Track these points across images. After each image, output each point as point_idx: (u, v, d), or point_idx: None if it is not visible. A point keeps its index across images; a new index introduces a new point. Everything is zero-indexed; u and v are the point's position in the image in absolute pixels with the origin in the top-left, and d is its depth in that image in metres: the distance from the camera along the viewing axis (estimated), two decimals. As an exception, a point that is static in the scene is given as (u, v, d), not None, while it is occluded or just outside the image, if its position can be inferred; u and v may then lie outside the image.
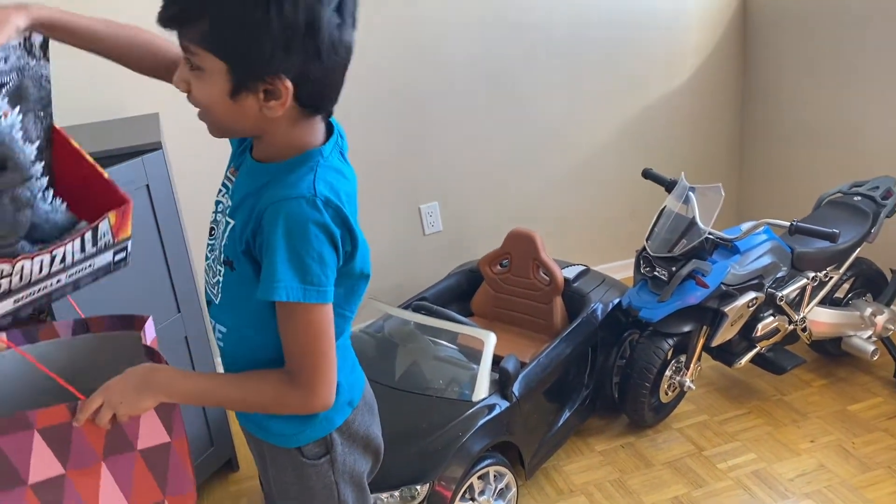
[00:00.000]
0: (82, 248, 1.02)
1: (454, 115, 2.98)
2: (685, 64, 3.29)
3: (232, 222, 1.05)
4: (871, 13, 2.79)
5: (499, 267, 2.65)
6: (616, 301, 2.48)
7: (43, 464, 0.95)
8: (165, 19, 0.92)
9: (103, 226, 1.03)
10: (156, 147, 1.97)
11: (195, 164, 2.45)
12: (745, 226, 2.35)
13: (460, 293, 2.71)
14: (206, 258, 1.14)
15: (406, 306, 2.43)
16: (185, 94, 0.99)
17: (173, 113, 2.43)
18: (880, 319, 2.56)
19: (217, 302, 1.11)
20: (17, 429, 0.93)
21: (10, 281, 0.96)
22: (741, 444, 2.38)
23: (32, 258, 0.97)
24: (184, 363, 2.14)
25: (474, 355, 2.15)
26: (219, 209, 1.11)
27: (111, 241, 1.05)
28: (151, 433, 1.04)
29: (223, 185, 1.13)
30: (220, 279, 1.08)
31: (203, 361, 2.19)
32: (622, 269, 3.25)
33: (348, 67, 0.99)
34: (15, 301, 0.99)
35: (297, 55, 0.91)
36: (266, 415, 1.14)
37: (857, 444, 2.33)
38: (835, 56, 2.96)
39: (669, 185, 2.46)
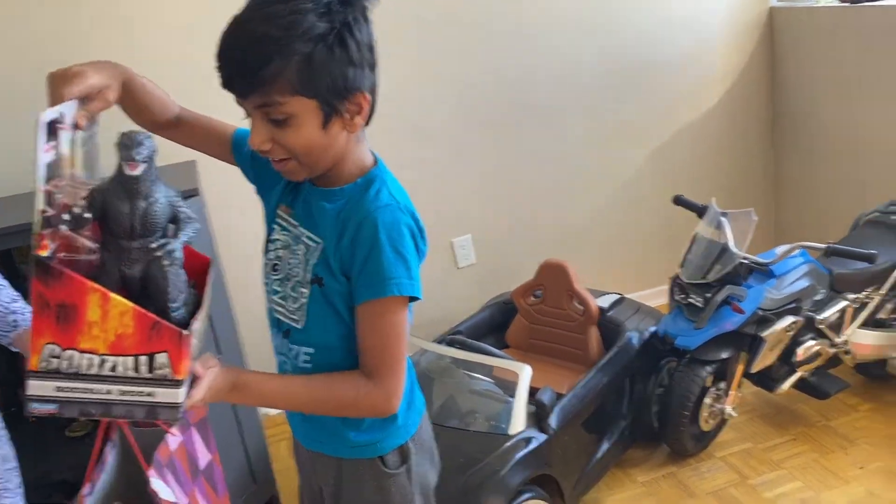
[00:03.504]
0: (135, 368, 0.91)
1: (484, 147, 3.01)
2: (713, 88, 3.29)
3: (321, 243, 1.13)
4: (899, 30, 2.76)
5: (532, 298, 2.66)
6: (652, 329, 2.47)
7: (181, 495, 1.09)
8: (250, 84, 1.00)
9: (161, 357, 0.92)
10: (193, 193, 2.03)
11: (231, 209, 2.51)
12: (780, 249, 2.33)
13: (495, 326, 2.72)
14: (275, 293, 1.20)
15: (441, 340, 2.45)
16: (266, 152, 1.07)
17: (210, 160, 2.50)
18: (926, 340, 2.50)
19: (300, 327, 1.17)
20: (160, 466, 1.08)
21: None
22: (787, 472, 2.33)
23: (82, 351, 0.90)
24: (228, 413, 2.17)
25: (510, 388, 2.15)
26: (278, 245, 1.20)
27: (169, 374, 0.92)
28: (203, 455, 1.19)
29: (276, 223, 1.22)
30: (306, 301, 1.15)
31: (247, 410, 2.22)
32: (656, 297, 3.22)
33: None
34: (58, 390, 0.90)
35: (368, 69, 1.06)
36: (346, 427, 1.20)
37: (908, 469, 2.27)
38: (866, 73, 2.93)
39: (701, 211, 2.45)
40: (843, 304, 2.39)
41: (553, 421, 2.08)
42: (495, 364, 2.22)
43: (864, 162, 3.03)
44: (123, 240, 0.95)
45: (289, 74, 0.99)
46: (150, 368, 0.90)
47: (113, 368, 0.89)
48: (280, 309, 1.20)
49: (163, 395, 0.91)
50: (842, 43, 3.01)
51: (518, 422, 2.04)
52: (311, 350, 1.18)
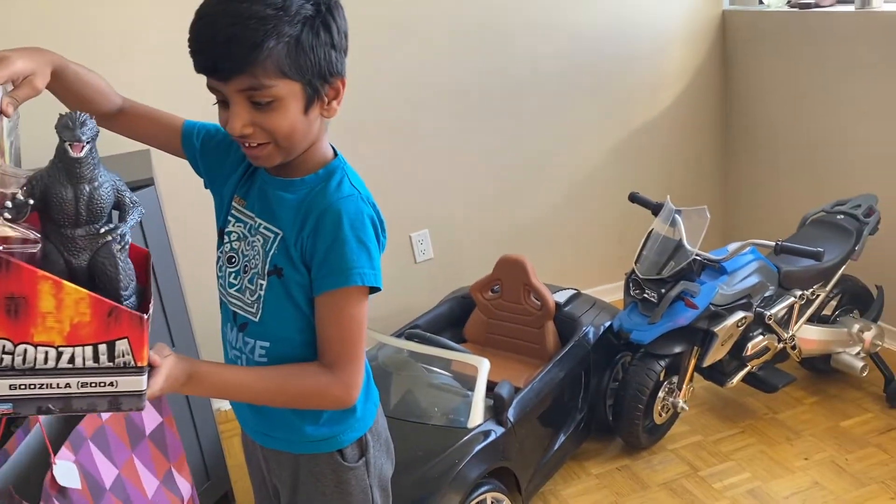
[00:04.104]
0: (95, 357, 0.88)
1: (443, 142, 3.02)
2: (668, 90, 3.35)
3: (280, 233, 1.12)
4: (848, 36, 2.86)
5: (490, 293, 2.67)
6: (607, 324, 2.50)
7: (107, 468, 1.05)
8: (240, 65, 0.98)
9: (121, 344, 0.90)
10: (148, 183, 1.99)
11: (186, 199, 2.46)
12: (732, 246, 2.39)
13: (453, 320, 2.72)
14: (231, 286, 1.18)
15: (399, 334, 2.45)
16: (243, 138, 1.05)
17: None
18: (868, 336, 2.59)
19: (257, 320, 1.15)
20: (80, 441, 1.03)
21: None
22: (736, 464, 2.39)
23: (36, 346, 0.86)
24: (183, 407, 2.14)
25: (468, 382, 2.16)
26: (233, 237, 1.19)
27: (131, 362, 0.89)
28: (150, 419, 1.17)
29: (231, 215, 1.20)
30: (263, 293, 1.13)
31: (202, 405, 2.19)
32: (611, 292, 3.27)
33: None
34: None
35: (345, 55, 1.08)
36: (304, 422, 1.18)
37: (850, 460, 2.35)
38: (813, 76, 3.03)
39: (656, 209, 2.49)
40: (790, 300, 2.46)
41: (511, 414, 2.09)
42: (454, 358, 2.22)
43: (810, 162, 3.13)
44: (68, 228, 0.91)
45: (278, 56, 0.98)
46: (111, 357, 0.87)
47: (71, 360, 0.86)
48: (236, 302, 1.18)
49: (125, 383, 0.89)
50: (790, 46, 3.10)
51: (477, 415, 2.05)
52: (266, 344, 1.17)
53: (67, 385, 0.86)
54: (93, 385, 0.87)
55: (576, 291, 2.70)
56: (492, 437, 2.03)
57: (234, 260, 1.18)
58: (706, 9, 3.32)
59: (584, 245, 3.38)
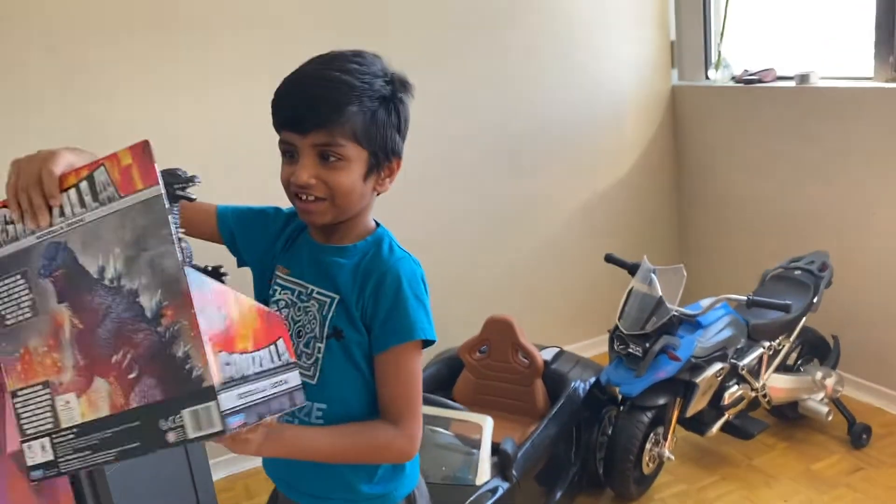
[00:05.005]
0: (271, 358, 0.96)
1: (418, 206, 3.12)
2: (626, 156, 3.58)
3: (337, 297, 1.19)
4: (789, 108, 3.14)
5: (478, 353, 2.75)
6: (593, 379, 2.61)
7: None
8: (325, 120, 1.09)
9: (280, 343, 0.98)
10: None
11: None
12: (705, 302, 2.55)
13: (441, 381, 2.78)
14: None
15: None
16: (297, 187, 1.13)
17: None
18: (829, 382, 2.78)
19: (315, 382, 1.20)
20: None
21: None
22: (721, 510, 2.51)
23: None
24: (180, 460, 2.12)
25: (469, 441, 2.21)
26: (281, 305, 1.25)
27: (289, 358, 0.98)
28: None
29: (277, 284, 1.27)
30: (320, 356, 1.19)
31: (197, 457, 2.17)
32: (588, 348, 3.40)
33: None
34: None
35: (403, 141, 1.21)
36: (360, 481, 1.22)
37: (826, 500, 2.49)
38: (758, 147, 3.29)
39: (632, 269, 2.65)
40: (759, 350, 2.63)
41: (516, 470, 2.16)
42: (456, 417, 2.28)
43: (759, 223, 3.37)
44: None
45: (356, 122, 1.11)
46: (279, 356, 0.95)
47: (261, 363, 0.92)
48: None
49: (292, 378, 0.96)
50: (736, 117, 3.38)
51: (483, 472, 2.11)
52: (324, 406, 1.21)
53: (264, 389, 0.92)
54: (277, 384, 0.94)
55: (559, 349, 2.80)
56: (499, 493, 2.09)
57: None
58: (656, 84, 3.59)
59: (559, 303, 3.52)
